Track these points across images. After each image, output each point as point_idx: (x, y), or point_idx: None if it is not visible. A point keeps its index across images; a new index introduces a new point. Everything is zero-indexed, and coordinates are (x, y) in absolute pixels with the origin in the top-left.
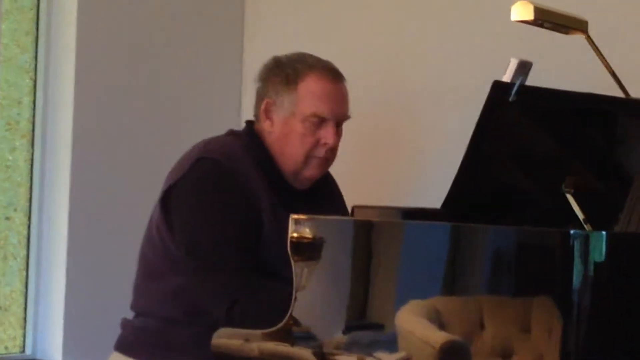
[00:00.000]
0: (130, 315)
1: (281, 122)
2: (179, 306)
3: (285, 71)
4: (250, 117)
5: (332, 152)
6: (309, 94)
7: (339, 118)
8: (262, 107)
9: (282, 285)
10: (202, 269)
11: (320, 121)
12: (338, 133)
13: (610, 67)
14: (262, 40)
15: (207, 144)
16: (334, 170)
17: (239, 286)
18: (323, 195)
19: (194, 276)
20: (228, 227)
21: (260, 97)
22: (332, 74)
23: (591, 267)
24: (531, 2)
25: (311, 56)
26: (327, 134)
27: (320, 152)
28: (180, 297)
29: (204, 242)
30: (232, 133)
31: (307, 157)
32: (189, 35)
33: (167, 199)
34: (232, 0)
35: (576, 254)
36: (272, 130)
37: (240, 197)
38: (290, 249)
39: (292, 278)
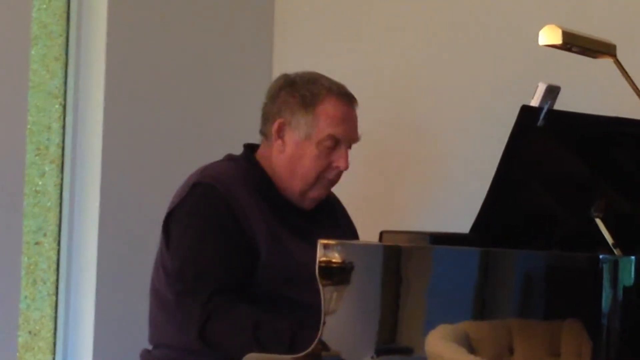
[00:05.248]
0: (150, 346)
1: (295, 142)
2: None
3: (301, 92)
4: None
5: (340, 174)
6: (327, 117)
7: (352, 141)
8: (275, 126)
9: (257, 308)
10: (175, 292)
11: (334, 144)
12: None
13: (639, 91)
14: (291, 49)
15: (204, 170)
16: (362, 195)
17: (209, 309)
18: (325, 213)
19: (175, 300)
20: (214, 251)
21: (271, 116)
22: (348, 98)
23: (620, 292)
24: (559, 27)
25: (325, 78)
26: (340, 158)
27: (331, 174)
28: None
29: (182, 265)
30: (230, 158)
31: (318, 179)
32: (217, 53)
33: (167, 226)
34: (260, 12)
35: (605, 278)
36: (283, 150)
37: (232, 222)
38: (319, 273)
39: (297, 298)
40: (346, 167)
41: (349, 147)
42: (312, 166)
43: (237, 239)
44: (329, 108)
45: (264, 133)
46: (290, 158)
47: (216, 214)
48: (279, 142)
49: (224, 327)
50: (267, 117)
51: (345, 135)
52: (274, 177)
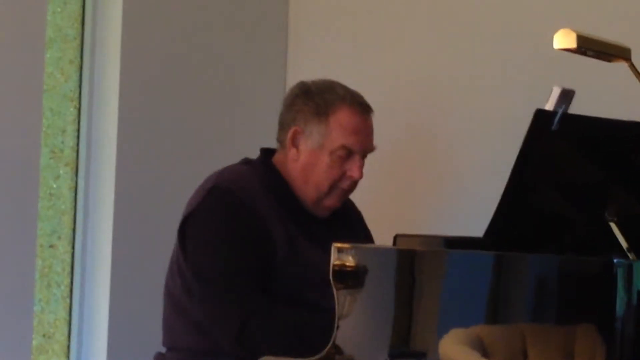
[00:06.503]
0: (164, 349)
1: (308, 151)
2: (204, 338)
3: (315, 101)
4: None
5: (355, 183)
6: (340, 126)
7: (366, 151)
8: (289, 135)
9: (296, 308)
10: (209, 295)
11: (348, 154)
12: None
13: None
14: (305, 54)
15: (221, 173)
16: (376, 198)
17: (248, 309)
18: (339, 219)
19: (202, 302)
20: (235, 254)
21: (286, 123)
22: (362, 108)
23: (634, 296)
24: (574, 30)
25: (341, 86)
26: (353, 167)
27: (345, 183)
28: (203, 330)
29: (211, 268)
30: (247, 161)
31: (331, 188)
32: (232, 56)
33: (184, 229)
34: (274, 18)
35: (619, 282)
36: (297, 159)
37: (249, 226)
38: (333, 277)
39: (313, 302)
40: (360, 177)
41: (364, 156)
42: (325, 175)
43: (256, 242)
44: (342, 118)
45: (280, 140)
46: (304, 166)
47: (235, 217)
48: (294, 150)
49: (266, 328)
50: (282, 125)
51: (359, 146)
52: (290, 183)
